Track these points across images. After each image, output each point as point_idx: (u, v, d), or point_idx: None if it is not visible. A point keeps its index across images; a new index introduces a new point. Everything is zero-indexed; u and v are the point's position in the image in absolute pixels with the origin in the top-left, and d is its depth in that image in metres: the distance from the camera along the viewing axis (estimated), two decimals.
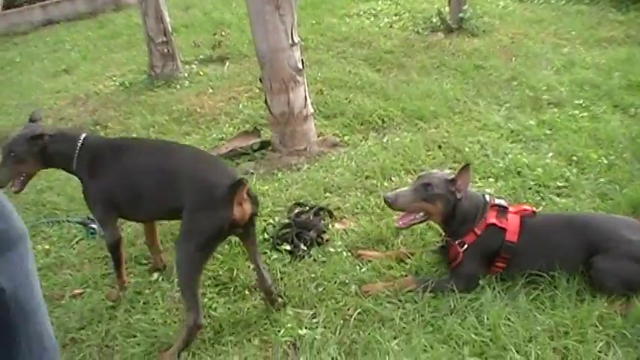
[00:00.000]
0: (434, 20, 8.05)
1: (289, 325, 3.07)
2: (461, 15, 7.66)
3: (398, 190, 3.35)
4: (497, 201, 3.32)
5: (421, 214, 3.29)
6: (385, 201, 3.30)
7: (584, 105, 5.33)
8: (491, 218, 3.24)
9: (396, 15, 8.96)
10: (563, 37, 7.37)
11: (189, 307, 2.91)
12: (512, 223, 3.24)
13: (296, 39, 4.64)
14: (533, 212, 3.31)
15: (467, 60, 6.62)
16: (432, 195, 3.23)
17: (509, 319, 2.96)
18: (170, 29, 7.46)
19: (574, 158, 4.42)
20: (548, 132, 4.87)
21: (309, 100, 4.83)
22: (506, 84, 5.97)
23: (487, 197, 3.33)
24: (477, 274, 3.24)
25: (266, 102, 4.83)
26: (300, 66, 4.68)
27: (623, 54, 6.53)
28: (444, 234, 3.45)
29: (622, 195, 3.96)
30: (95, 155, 3.22)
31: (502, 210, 3.27)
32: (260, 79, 4.87)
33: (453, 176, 3.26)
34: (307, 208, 4.03)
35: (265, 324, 3.11)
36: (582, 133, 4.79)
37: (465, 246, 3.25)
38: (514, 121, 5.11)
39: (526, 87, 5.81)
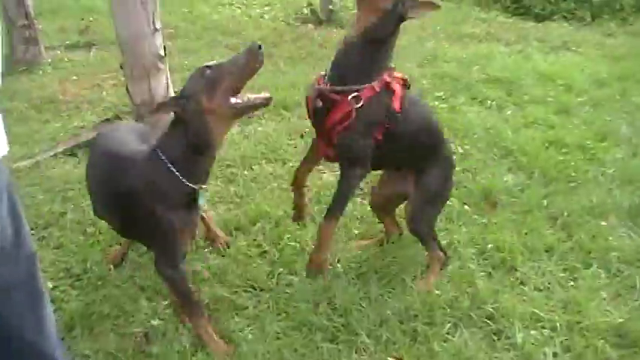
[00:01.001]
0: (304, 11, 8.14)
1: (143, 316, 3.02)
2: (330, 7, 7.78)
3: None
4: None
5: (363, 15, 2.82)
6: None
7: (443, 97, 5.54)
8: (388, 78, 2.89)
9: (267, 5, 9.04)
10: (429, 31, 7.63)
11: None
12: (397, 90, 2.92)
13: (158, 25, 4.53)
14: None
15: (334, 51, 6.66)
16: None
17: (361, 305, 3.03)
18: (33, 12, 7.13)
19: None
20: None
21: (171, 88, 4.74)
22: None
23: None
24: (368, 151, 2.95)
25: (127, 89, 4.71)
26: (161, 53, 4.58)
27: (483, 49, 6.85)
28: (326, 82, 2.93)
29: (475, 183, 4.15)
30: None
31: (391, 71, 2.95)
32: (121, 66, 4.75)
33: None
34: None
35: (119, 315, 3.04)
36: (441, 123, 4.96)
37: (361, 103, 2.83)
38: None
39: None
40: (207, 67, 2.57)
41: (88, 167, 3.11)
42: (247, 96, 2.59)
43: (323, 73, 3.00)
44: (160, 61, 4.60)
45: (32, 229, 3.60)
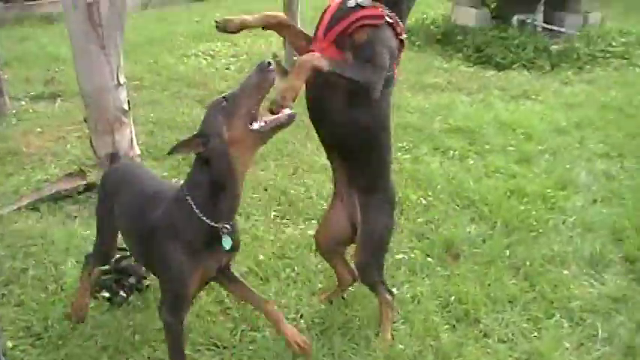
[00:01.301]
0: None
1: None
2: (295, 58, 7.80)
3: None
4: None
5: None
6: None
7: (407, 147, 5.60)
8: None
9: (233, 56, 9.08)
10: None
11: None
12: None
13: (122, 80, 4.54)
14: None
15: (299, 102, 6.62)
16: None
17: None
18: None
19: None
20: None
21: (135, 142, 4.74)
22: None
23: None
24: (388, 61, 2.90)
25: (91, 143, 4.69)
26: (125, 107, 4.58)
27: (445, 99, 6.97)
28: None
29: (438, 234, 4.19)
30: None
31: None
32: (85, 120, 4.74)
33: None
34: (128, 253, 3.95)
35: None
36: (404, 174, 5.03)
37: (390, 26, 2.91)
38: None
39: None
40: (224, 98, 2.55)
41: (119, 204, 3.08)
42: (268, 117, 2.56)
43: None
44: (124, 115, 4.60)
45: None
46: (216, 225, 2.62)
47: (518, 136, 6.01)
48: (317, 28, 3.00)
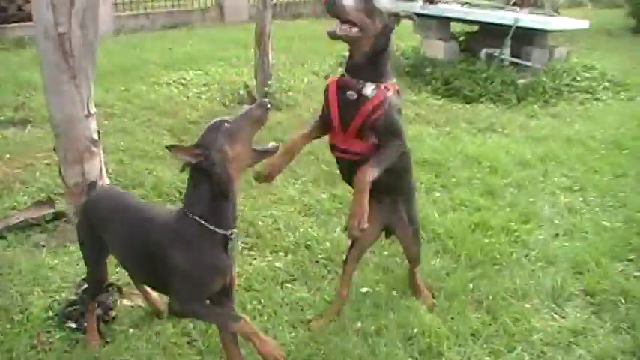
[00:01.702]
0: (241, 92, 8.26)
1: None
2: (266, 89, 7.92)
3: None
4: None
5: (356, 30, 3.13)
6: (327, 2, 3.17)
7: None
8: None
9: (204, 85, 9.12)
10: None
11: None
12: None
13: (92, 110, 4.56)
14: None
15: (268, 133, 6.76)
16: (374, 8, 3.14)
17: None
18: None
19: None
20: (339, 206, 5.14)
21: (104, 171, 4.75)
22: (304, 158, 6.17)
23: None
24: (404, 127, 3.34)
25: (60, 172, 4.69)
26: (95, 137, 4.59)
27: (413, 132, 7.04)
28: (353, 87, 3.23)
29: (403, 268, 4.25)
30: None
31: None
32: (54, 149, 4.75)
33: (396, 9, 3.28)
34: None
35: None
36: None
37: (390, 92, 3.21)
38: (308, 195, 5.35)
39: (322, 162, 6.07)
40: (224, 120, 2.74)
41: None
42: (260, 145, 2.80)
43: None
44: (94, 145, 4.60)
45: None
46: (225, 232, 2.81)
47: (483, 169, 6.12)
48: (329, 119, 3.32)
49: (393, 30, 3.25)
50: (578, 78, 9.57)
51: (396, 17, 3.26)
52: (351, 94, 3.19)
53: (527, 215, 5.14)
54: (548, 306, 3.94)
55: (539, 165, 6.34)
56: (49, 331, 3.54)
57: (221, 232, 2.80)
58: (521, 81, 9.10)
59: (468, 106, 8.57)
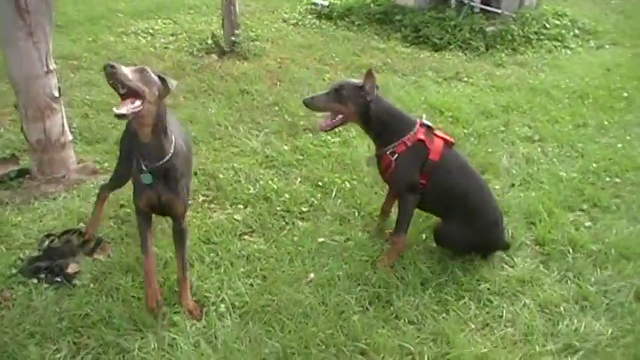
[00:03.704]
0: (209, 42, 8.21)
1: None
2: (233, 38, 7.88)
3: (314, 94, 3.93)
4: (425, 121, 3.87)
5: (340, 116, 3.82)
6: (304, 103, 3.85)
7: (335, 130, 5.70)
8: (421, 134, 3.78)
9: (172, 35, 9.04)
10: (328, 62, 7.85)
11: None
12: (437, 145, 3.80)
13: (51, 66, 4.58)
14: (453, 143, 3.93)
15: (234, 84, 6.86)
16: (342, 96, 3.76)
17: (242, 344, 3.20)
18: None
19: (320, 183, 4.78)
20: (300, 157, 5.22)
21: (66, 127, 4.78)
22: (268, 109, 6.26)
23: (417, 118, 3.89)
24: (415, 179, 3.78)
25: (22, 129, 4.71)
26: (56, 94, 4.62)
27: (379, 81, 7.05)
28: (375, 148, 3.93)
29: (359, 218, 4.34)
30: None
31: (429, 130, 3.83)
32: (15, 106, 4.76)
33: (361, 83, 3.76)
34: (57, 237, 4.01)
35: None
36: (331, 158, 5.18)
37: (396, 155, 3.77)
38: (270, 146, 5.41)
39: (286, 112, 6.14)
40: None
41: None
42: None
43: None
44: (55, 102, 4.64)
45: None
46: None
47: (446, 119, 6.21)
48: None
49: (369, 99, 3.74)
50: (548, 26, 9.62)
51: (366, 94, 3.76)
52: (373, 160, 4.02)
53: (485, 165, 5.24)
54: (499, 256, 4.05)
55: (502, 115, 6.44)
56: (12, 288, 3.60)
57: None
58: (490, 29, 9.14)
59: (436, 54, 8.60)
